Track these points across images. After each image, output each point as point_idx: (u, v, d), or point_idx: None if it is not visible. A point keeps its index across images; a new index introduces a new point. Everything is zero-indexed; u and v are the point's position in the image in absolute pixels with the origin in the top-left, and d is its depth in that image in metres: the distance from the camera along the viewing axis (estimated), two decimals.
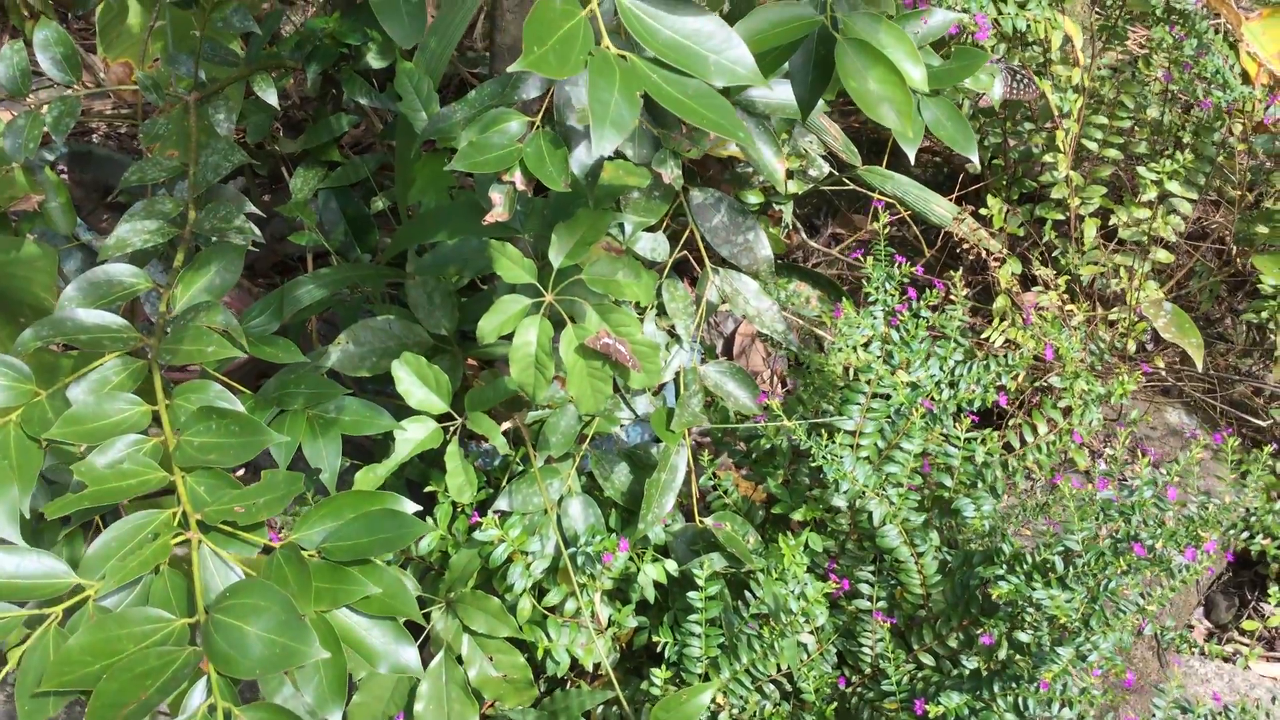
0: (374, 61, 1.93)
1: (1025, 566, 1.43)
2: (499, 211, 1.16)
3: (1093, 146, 1.97)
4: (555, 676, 1.55)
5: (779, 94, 1.33)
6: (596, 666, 1.65)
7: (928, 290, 1.52)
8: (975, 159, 1.41)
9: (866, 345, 1.54)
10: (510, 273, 1.29)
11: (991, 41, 1.77)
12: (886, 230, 2.03)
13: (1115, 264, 1.89)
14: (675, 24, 0.75)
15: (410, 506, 1.02)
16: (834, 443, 1.48)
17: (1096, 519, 1.46)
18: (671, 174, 1.28)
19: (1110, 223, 1.97)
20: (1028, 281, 1.97)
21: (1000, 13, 1.77)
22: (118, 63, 2.13)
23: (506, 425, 1.50)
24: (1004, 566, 1.46)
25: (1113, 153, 1.97)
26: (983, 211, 2.01)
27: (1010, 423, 1.87)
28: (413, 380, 1.36)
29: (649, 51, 0.74)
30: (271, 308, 1.34)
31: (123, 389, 1.20)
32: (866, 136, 2.32)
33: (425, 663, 1.52)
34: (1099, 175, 1.98)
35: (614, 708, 1.63)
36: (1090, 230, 1.86)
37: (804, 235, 2.12)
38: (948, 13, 1.44)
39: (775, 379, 1.88)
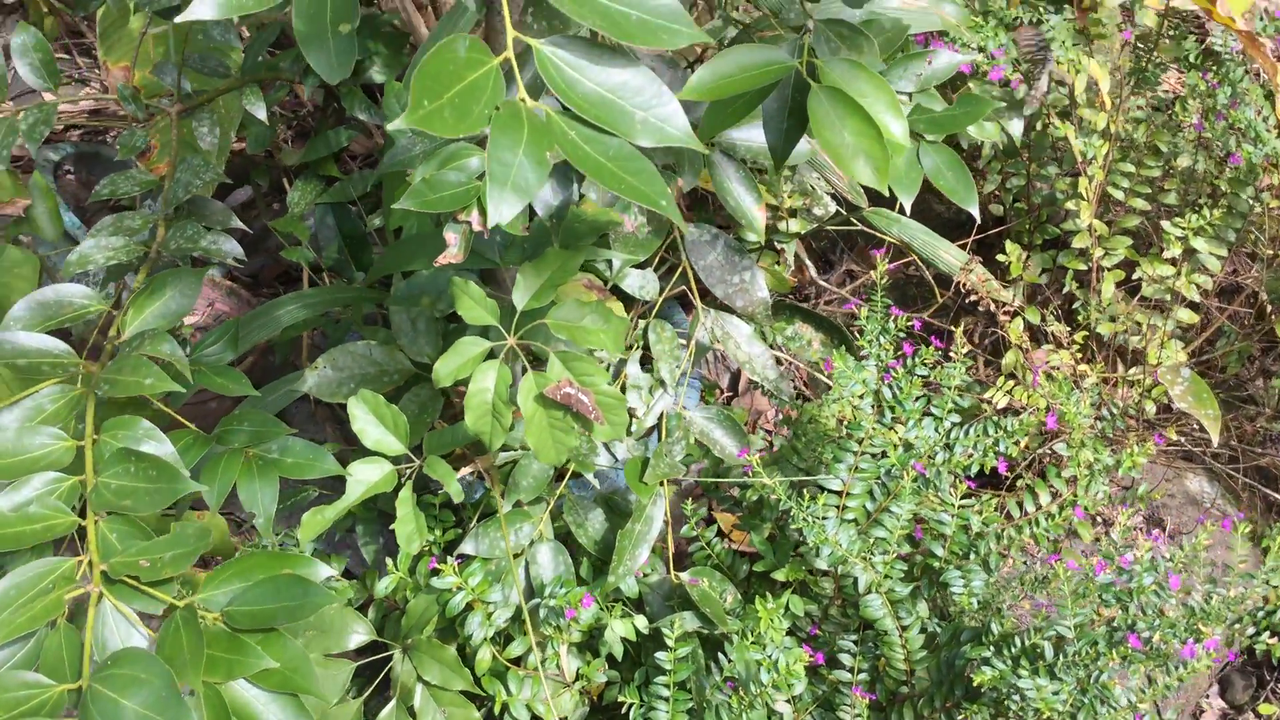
0: (377, 76, 1.87)
1: (1013, 650, 1.34)
2: (452, 253, 1.09)
3: (1119, 195, 1.87)
4: None
5: (761, 138, 1.25)
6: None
7: (924, 346, 1.43)
8: (975, 211, 1.33)
9: (860, 399, 1.46)
10: (471, 313, 1.22)
11: (1010, 73, 1.68)
12: (895, 274, 1.95)
13: (1136, 321, 1.79)
14: (600, 76, 0.68)
15: (324, 571, 0.95)
16: (817, 503, 1.40)
17: (1096, 601, 1.37)
18: (635, 220, 1.21)
19: (1135, 275, 1.87)
20: (1044, 335, 1.88)
21: (1021, 54, 1.67)
22: (118, 67, 2.09)
23: (472, 468, 1.43)
24: (991, 648, 1.37)
25: (1140, 202, 1.87)
26: (1000, 258, 1.92)
27: (1016, 486, 1.78)
28: (369, 419, 1.29)
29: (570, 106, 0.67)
30: (227, 335, 1.28)
31: (56, 420, 1.14)
32: None
33: (381, 707, 1.46)
34: (1124, 225, 1.88)
35: None
36: (1109, 285, 1.76)
37: (813, 272, 2.03)
38: (954, 54, 1.36)
39: (781, 420, 1.80)
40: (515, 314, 1.23)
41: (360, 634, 1.42)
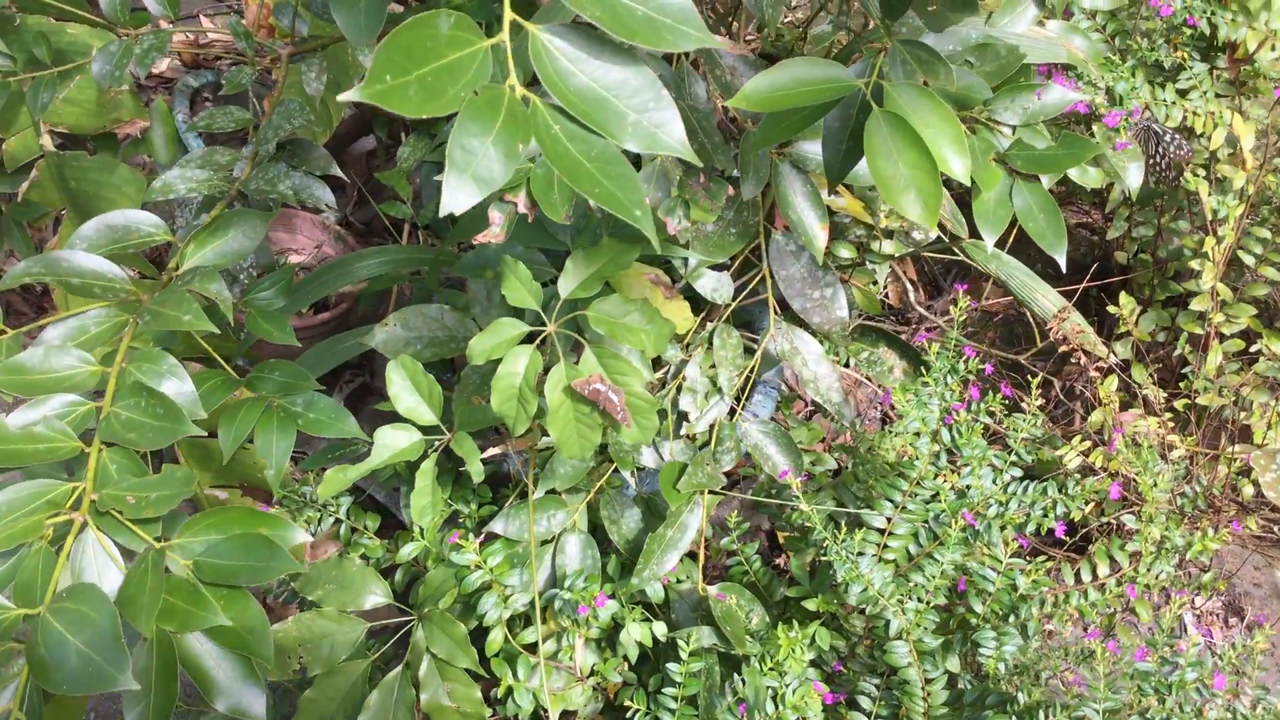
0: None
1: None
2: (494, 231, 1.07)
3: (1249, 260, 1.74)
4: (516, 718, 1.46)
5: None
6: (574, 713, 1.56)
7: (991, 393, 1.36)
8: (1062, 260, 1.25)
9: (918, 438, 1.39)
10: (515, 294, 1.19)
11: (1125, 120, 1.57)
12: (1006, 311, 1.87)
13: (1244, 397, 1.67)
14: (596, 71, 0.64)
15: (299, 536, 0.94)
16: (854, 538, 1.34)
17: (1134, 688, 1.28)
18: (678, 225, 1.16)
19: (1255, 348, 1.74)
20: (1142, 397, 1.77)
21: (1155, 99, 1.57)
22: (254, 2, 2.13)
23: (502, 449, 1.41)
24: (1014, 718, 1.30)
25: (1271, 272, 1.74)
26: (1111, 309, 1.81)
27: (1086, 552, 1.68)
28: (405, 385, 1.28)
29: (556, 99, 0.63)
30: (281, 282, 1.28)
31: (98, 342, 1.16)
32: None
33: (402, 661, 1.46)
34: (1251, 293, 1.76)
35: None
36: (1216, 353, 1.65)
37: (912, 297, 1.96)
38: (1068, 91, 1.27)
39: (839, 445, 1.74)
40: (559, 302, 1.20)
41: (377, 595, 1.42)
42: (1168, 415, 1.61)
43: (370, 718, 1.39)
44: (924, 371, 1.38)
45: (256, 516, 0.92)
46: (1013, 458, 1.38)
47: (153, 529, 0.95)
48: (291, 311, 1.62)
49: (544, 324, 1.20)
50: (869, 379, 1.76)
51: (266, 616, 0.88)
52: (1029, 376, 1.97)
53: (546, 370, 1.18)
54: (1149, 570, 1.39)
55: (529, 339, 1.19)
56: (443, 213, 0.59)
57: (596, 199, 0.62)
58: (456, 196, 0.60)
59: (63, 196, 1.91)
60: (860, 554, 1.36)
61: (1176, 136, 1.55)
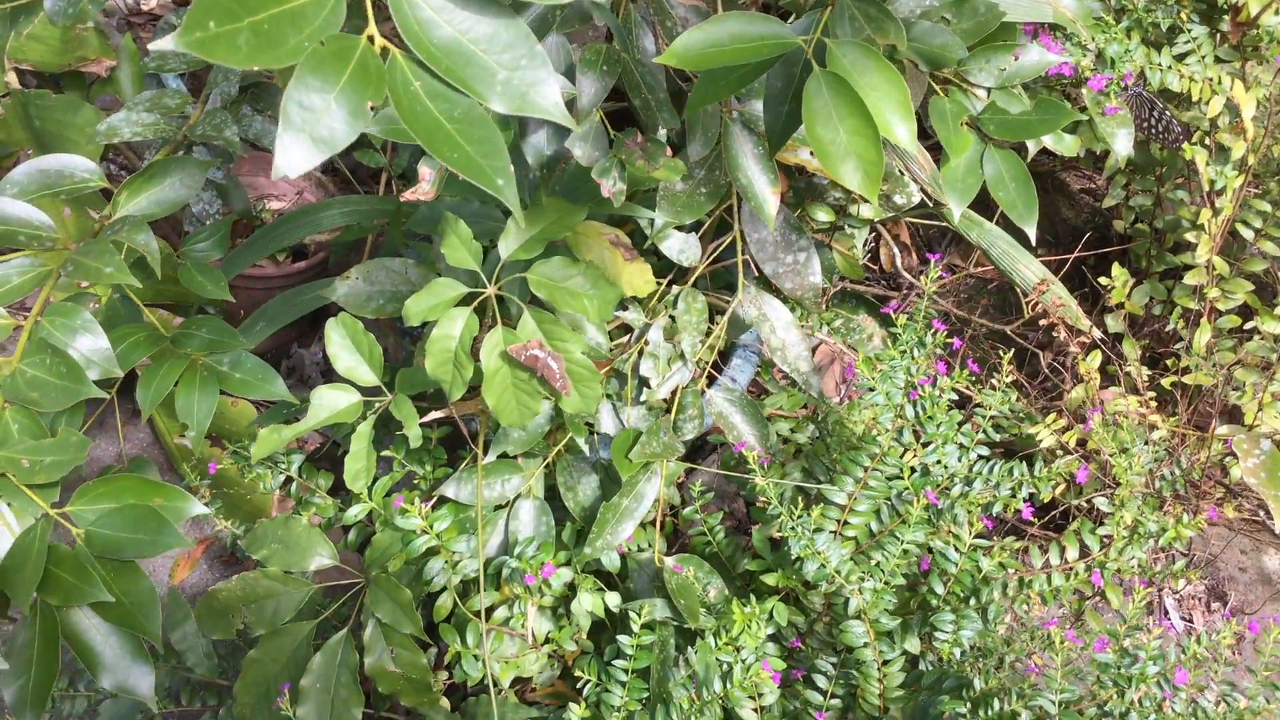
0: None
1: (989, 713, 1.22)
2: (424, 189, 1.02)
3: (1248, 234, 1.67)
4: (465, 684, 1.43)
5: None
6: (528, 680, 1.52)
7: (959, 369, 1.30)
8: (1032, 232, 1.19)
9: (881, 413, 1.34)
10: (455, 254, 1.14)
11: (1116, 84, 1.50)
12: (1001, 278, 1.81)
13: (1237, 377, 1.60)
14: (464, 22, 0.58)
15: (195, 508, 0.90)
16: (811, 514, 1.29)
17: (1094, 679, 1.24)
18: (613, 187, 1.10)
19: (1249, 325, 1.67)
20: (1149, 367, 1.70)
21: (1150, 63, 1.49)
22: None
23: (445, 413, 1.36)
24: (968, 705, 1.25)
25: (1270, 246, 1.67)
26: (1103, 281, 1.74)
27: (1068, 526, 1.63)
28: (344, 344, 1.23)
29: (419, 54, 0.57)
30: (218, 234, 1.24)
31: (20, 293, 1.12)
32: None
33: (348, 624, 1.43)
34: (1248, 268, 1.69)
35: None
36: (1206, 331, 1.58)
37: (898, 262, 1.89)
38: (1047, 52, 1.21)
39: (805, 417, 1.68)
40: (500, 264, 1.15)
41: (323, 557, 1.39)
42: (1151, 395, 1.55)
43: (313, 680, 1.36)
44: (890, 345, 1.32)
45: (151, 487, 0.88)
46: (980, 435, 1.33)
47: (50, 494, 0.91)
48: (248, 262, 1.58)
49: (484, 286, 1.15)
50: (849, 347, 1.71)
51: (156, 593, 0.85)
52: (1019, 348, 1.91)
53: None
54: (1120, 555, 1.34)
55: (469, 300, 1.15)
56: (275, 175, 0.54)
57: (454, 165, 0.56)
58: (290, 157, 0.55)
59: (28, 136, 1.87)
60: (818, 530, 1.31)
61: (1167, 114, 1.48)
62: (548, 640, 1.47)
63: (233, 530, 1.58)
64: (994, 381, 1.33)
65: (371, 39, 0.58)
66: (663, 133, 1.21)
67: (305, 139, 0.55)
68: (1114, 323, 1.77)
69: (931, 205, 1.65)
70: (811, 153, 1.54)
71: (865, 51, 0.87)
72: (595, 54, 1.07)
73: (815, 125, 0.85)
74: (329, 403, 1.23)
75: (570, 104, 1.07)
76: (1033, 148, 1.45)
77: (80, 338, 1.03)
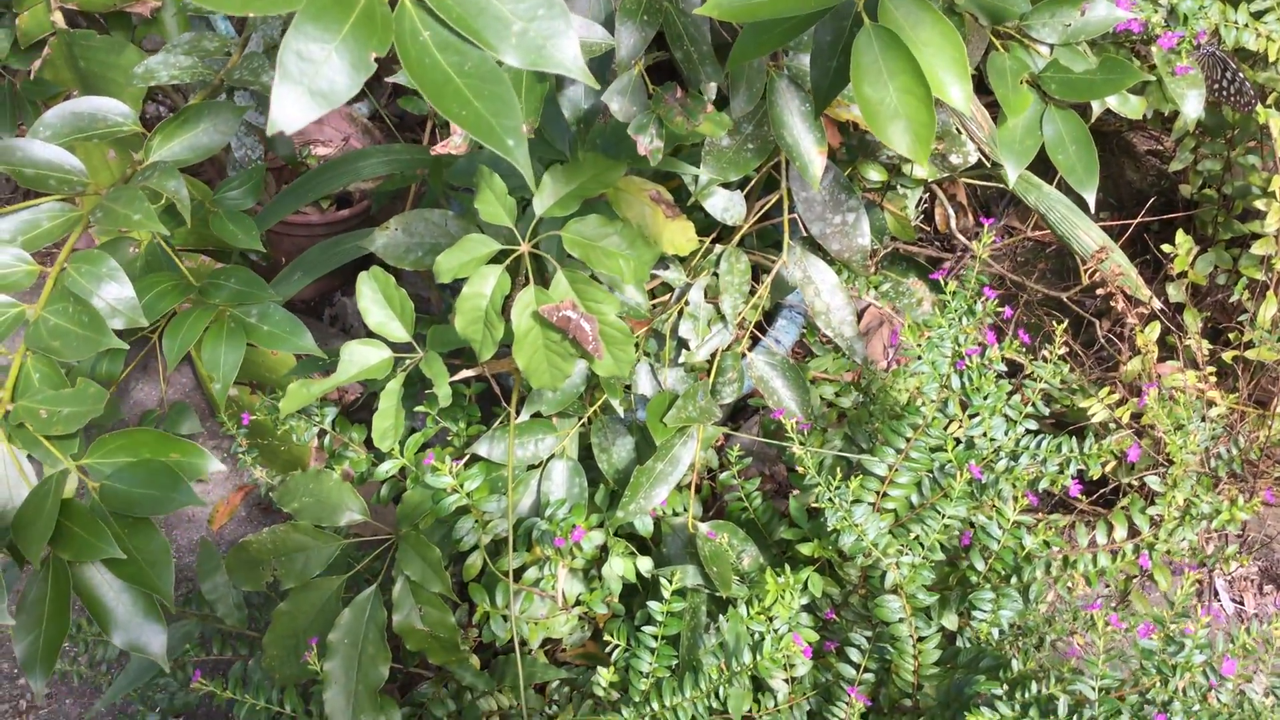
0: None
1: (1026, 696, 1.18)
2: (455, 143, 0.98)
3: None
4: (494, 643, 1.42)
5: None
6: (558, 641, 1.51)
7: (1010, 339, 1.25)
8: (1091, 199, 1.13)
9: (926, 383, 1.29)
10: (489, 209, 1.11)
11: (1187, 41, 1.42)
12: (1026, 241, 1.76)
13: None
14: None
15: (213, 465, 0.88)
16: (849, 485, 1.26)
17: (1137, 668, 1.19)
18: (649, 144, 1.06)
19: None
20: (1211, 339, 1.63)
21: (1225, 20, 1.41)
22: None
23: (477, 371, 1.33)
24: (1005, 686, 1.22)
25: None
26: (1165, 248, 1.68)
27: (1118, 502, 1.58)
28: (375, 298, 1.21)
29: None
30: (251, 182, 1.21)
31: (49, 238, 1.11)
32: None
33: (378, 580, 1.42)
34: None
35: (565, 688, 1.49)
36: (1271, 305, 1.51)
37: (953, 223, 1.83)
38: (1115, 8, 1.14)
39: (849, 384, 1.64)
40: (534, 221, 1.11)
41: (353, 512, 1.37)
42: (1210, 370, 1.48)
43: (341, 635, 1.35)
44: (939, 311, 1.28)
45: (168, 442, 0.86)
46: (1029, 409, 1.28)
47: (68, 446, 0.90)
48: (288, 209, 1.55)
49: (518, 243, 1.12)
50: (896, 311, 1.66)
51: (170, 550, 0.83)
52: (1074, 316, 1.85)
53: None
54: (1170, 537, 1.29)
55: (500, 258, 1.11)
56: (270, 131, 0.50)
57: (463, 123, 0.53)
58: (287, 111, 0.52)
59: (74, 76, 1.85)
60: (857, 501, 1.28)
61: (1240, 75, 1.40)
62: (578, 602, 1.46)
63: (268, 480, 1.58)
64: (1045, 353, 1.28)
65: None
66: (712, 88, 1.17)
67: (303, 92, 0.52)
68: (1175, 292, 1.70)
69: (989, 166, 1.59)
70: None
71: (919, 4, 0.82)
72: (635, 2, 1.02)
73: (863, 83, 0.80)
74: (359, 358, 1.21)
75: (609, 56, 1.03)
76: (1096, 108, 1.38)
77: (106, 286, 1.01)
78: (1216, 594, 1.63)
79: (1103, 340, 1.68)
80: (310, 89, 0.52)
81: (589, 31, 0.98)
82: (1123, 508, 1.34)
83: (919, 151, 0.82)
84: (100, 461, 0.87)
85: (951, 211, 1.87)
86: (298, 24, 0.52)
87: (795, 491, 1.48)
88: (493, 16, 0.54)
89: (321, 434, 1.48)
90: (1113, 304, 1.49)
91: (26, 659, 0.80)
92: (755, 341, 1.61)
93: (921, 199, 1.75)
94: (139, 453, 0.86)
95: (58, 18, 1.84)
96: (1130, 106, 1.19)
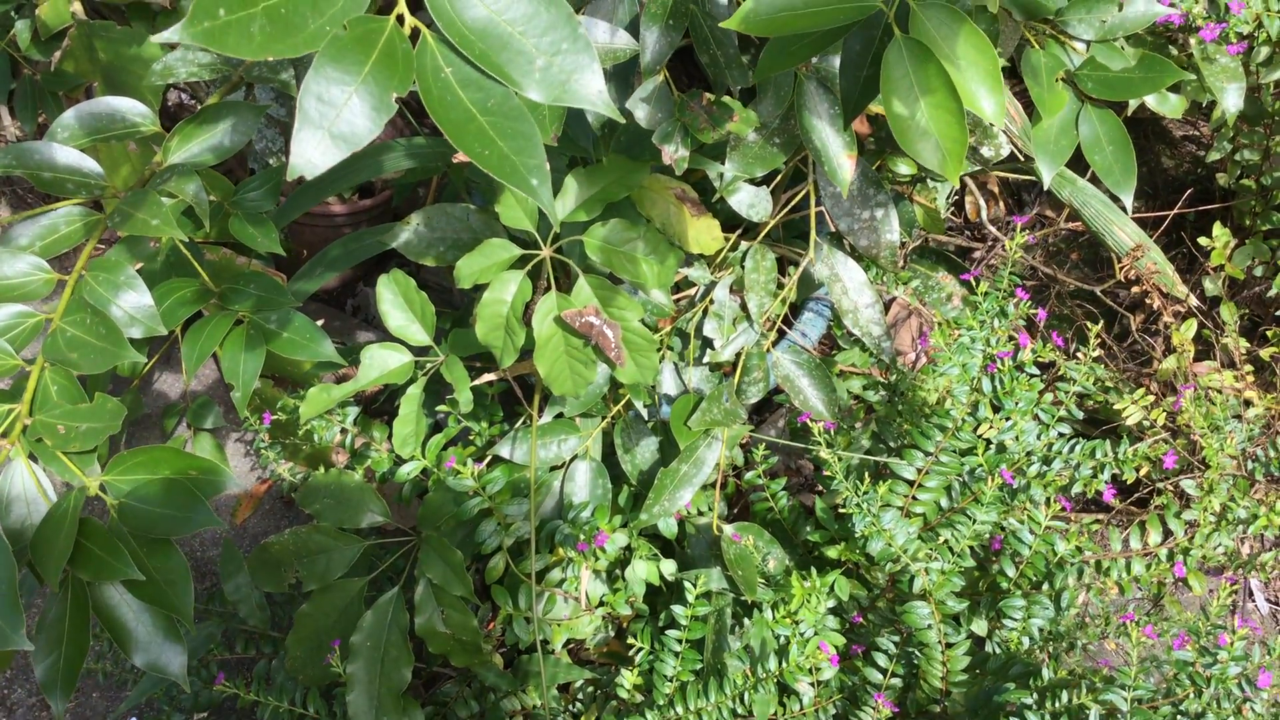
0: None
1: (1057, 705, 1.16)
2: None
3: None
4: (517, 644, 1.41)
5: None
6: (582, 642, 1.50)
7: (1041, 341, 1.23)
8: (1128, 201, 1.10)
9: (956, 385, 1.27)
10: (510, 213, 1.09)
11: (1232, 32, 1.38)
12: (1058, 232, 1.73)
13: None
14: (499, 2, 0.52)
15: (232, 485, 0.87)
16: (878, 489, 1.24)
17: (1171, 678, 1.17)
18: (675, 153, 1.04)
19: None
20: (1249, 334, 1.60)
21: (1267, 9, 1.37)
22: None
23: (498, 375, 1.32)
24: (1035, 695, 1.20)
25: None
26: (1202, 241, 1.64)
27: (1149, 504, 1.55)
28: (395, 302, 1.19)
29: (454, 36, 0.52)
30: (270, 184, 1.20)
31: (68, 243, 1.10)
32: None
33: (400, 581, 1.41)
34: None
35: (590, 688, 1.48)
36: None
37: (984, 215, 1.80)
38: (1154, 3, 1.11)
39: (874, 382, 1.61)
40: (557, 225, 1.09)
41: (375, 515, 1.36)
42: (1248, 369, 1.45)
43: (364, 638, 1.34)
44: (969, 311, 1.25)
45: (185, 459, 0.85)
46: (1061, 412, 1.25)
47: (86, 461, 0.89)
48: (310, 203, 1.54)
49: (539, 247, 1.10)
50: (923, 303, 1.63)
51: (189, 570, 0.82)
52: (1107, 309, 1.81)
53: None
54: (1206, 542, 1.26)
55: (522, 262, 1.10)
56: (290, 176, 0.49)
57: (485, 163, 0.51)
58: (308, 156, 0.50)
59: (94, 68, 1.84)
60: (886, 505, 1.26)
61: None
62: (601, 603, 1.44)
63: (290, 478, 1.57)
64: (1080, 353, 1.25)
65: (401, 19, 0.53)
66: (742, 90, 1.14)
67: (323, 136, 0.50)
68: (1212, 286, 1.67)
69: (1022, 160, 1.56)
70: None
71: (952, 15, 0.79)
72: (662, 7, 1.00)
73: (893, 98, 0.78)
74: (380, 362, 1.19)
75: (633, 61, 1.01)
76: (1132, 104, 1.35)
77: (124, 294, 1.00)
78: (1251, 594, 1.61)
79: (1137, 335, 1.65)
80: (331, 132, 0.50)
81: (613, 38, 0.95)
82: (1157, 509, 1.31)
83: (950, 168, 0.79)
84: (119, 479, 0.86)
85: (983, 201, 1.84)
86: (318, 66, 0.50)
87: (821, 491, 1.46)
88: (516, 51, 0.52)
89: (343, 432, 1.47)
90: (1148, 300, 1.46)
91: (47, 680, 0.79)
92: (781, 334, 1.58)
93: (952, 190, 1.72)
94: (158, 470, 0.85)
95: (78, 8, 1.82)
96: (1170, 105, 1.16)
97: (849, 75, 0.86)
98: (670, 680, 1.32)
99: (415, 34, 0.54)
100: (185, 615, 0.81)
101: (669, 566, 1.38)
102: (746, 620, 1.36)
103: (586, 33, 0.51)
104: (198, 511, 0.82)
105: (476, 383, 1.26)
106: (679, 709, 1.29)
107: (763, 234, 1.42)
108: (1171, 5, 1.21)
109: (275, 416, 1.42)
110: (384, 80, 0.51)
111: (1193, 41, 1.34)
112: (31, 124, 1.84)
